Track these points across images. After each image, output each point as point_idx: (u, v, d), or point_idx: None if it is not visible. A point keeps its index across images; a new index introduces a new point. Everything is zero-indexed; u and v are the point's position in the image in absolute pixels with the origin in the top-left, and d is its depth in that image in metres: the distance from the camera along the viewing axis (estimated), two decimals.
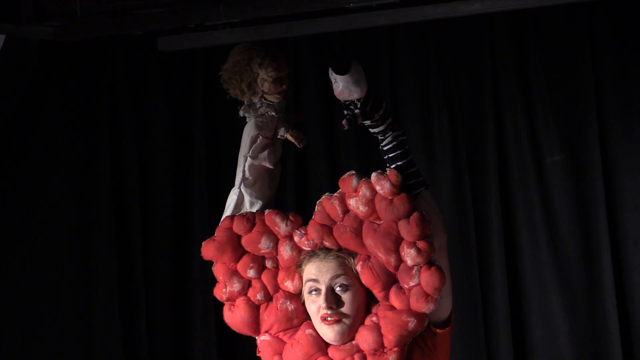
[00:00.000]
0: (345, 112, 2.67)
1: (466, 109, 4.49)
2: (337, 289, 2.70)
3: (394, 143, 2.69)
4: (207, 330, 4.66)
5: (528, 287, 4.41)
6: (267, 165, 2.88)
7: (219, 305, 2.91)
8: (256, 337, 2.83)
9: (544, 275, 4.36)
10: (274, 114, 2.89)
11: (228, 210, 2.88)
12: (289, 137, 2.92)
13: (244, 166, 2.87)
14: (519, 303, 4.42)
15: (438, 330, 2.71)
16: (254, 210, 2.85)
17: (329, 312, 2.68)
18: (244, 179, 2.87)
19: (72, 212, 4.69)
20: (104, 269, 4.67)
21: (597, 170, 4.31)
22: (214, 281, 2.91)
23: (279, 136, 2.91)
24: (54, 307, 4.64)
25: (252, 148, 2.87)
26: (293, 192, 4.58)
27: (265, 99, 2.90)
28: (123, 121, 4.75)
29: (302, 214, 2.83)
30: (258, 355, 2.84)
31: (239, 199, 2.88)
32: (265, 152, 2.87)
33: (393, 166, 2.68)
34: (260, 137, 2.87)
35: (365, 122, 2.68)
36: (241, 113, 2.93)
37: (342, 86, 2.64)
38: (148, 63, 4.77)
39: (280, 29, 4.51)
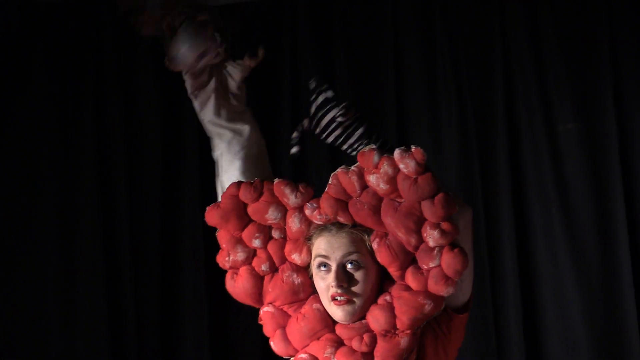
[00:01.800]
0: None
1: (474, 75, 4.49)
2: (349, 266, 2.67)
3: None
4: (199, 329, 4.59)
5: (540, 265, 4.43)
6: (219, 121, 2.91)
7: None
8: (259, 308, 2.81)
9: (557, 252, 4.39)
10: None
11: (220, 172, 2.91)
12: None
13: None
14: (530, 281, 4.44)
15: (454, 314, 2.69)
16: (235, 167, 2.86)
17: (339, 291, 2.65)
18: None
19: (54, 194, 4.60)
20: (89, 266, 4.60)
21: (613, 138, 4.32)
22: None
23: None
24: (36, 302, 4.56)
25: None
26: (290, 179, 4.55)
27: None
28: (110, 91, 4.65)
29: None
30: (260, 323, 2.81)
31: (216, 162, 2.92)
32: (209, 107, 2.92)
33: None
34: (191, 95, 2.93)
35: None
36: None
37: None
38: None
39: None
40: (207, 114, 2.89)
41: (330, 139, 2.76)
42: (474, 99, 4.46)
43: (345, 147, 2.75)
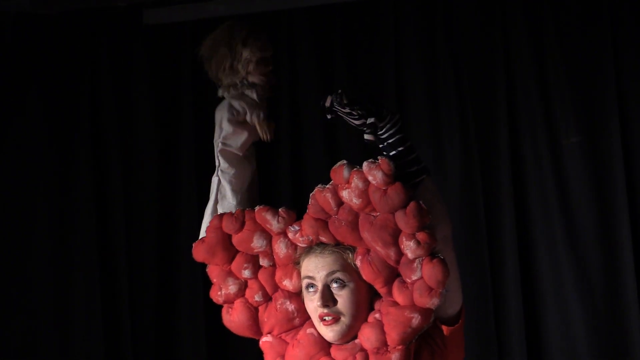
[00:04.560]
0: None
1: (476, 87, 4.52)
2: (334, 285, 2.73)
3: (397, 127, 2.72)
4: (196, 328, 4.68)
5: (542, 279, 4.44)
6: (238, 152, 2.93)
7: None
8: (259, 339, 2.89)
9: (560, 267, 4.40)
10: (255, 97, 2.93)
11: (212, 196, 2.95)
12: (258, 125, 2.93)
13: (217, 153, 2.93)
14: (533, 296, 4.45)
15: (445, 327, 2.75)
16: (237, 199, 2.92)
17: (325, 310, 2.72)
18: (219, 166, 2.93)
19: (49, 199, 4.71)
20: (84, 264, 4.68)
21: (617, 152, 4.33)
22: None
23: (248, 120, 2.93)
24: (31, 305, 4.65)
25: (222, 134, 2.92)
26: (289, 185, 4.60)
27: (247, 80, 2.94)
28: (105, 101, 4.76)
29: (299, 207, 2.83)
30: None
31: (218, 184, 2.94)
32: (241, 138, 2.92)
33: (393, 152, 2.69)
34: (231, 121, 2.91)
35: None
36: (220, 93, 2.97)
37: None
38: (132, 38, 4.78)
39: (275, 1, 4.53)
40: (236, 141, 2.93)
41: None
42: (476, 113, 4.49)
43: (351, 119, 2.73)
